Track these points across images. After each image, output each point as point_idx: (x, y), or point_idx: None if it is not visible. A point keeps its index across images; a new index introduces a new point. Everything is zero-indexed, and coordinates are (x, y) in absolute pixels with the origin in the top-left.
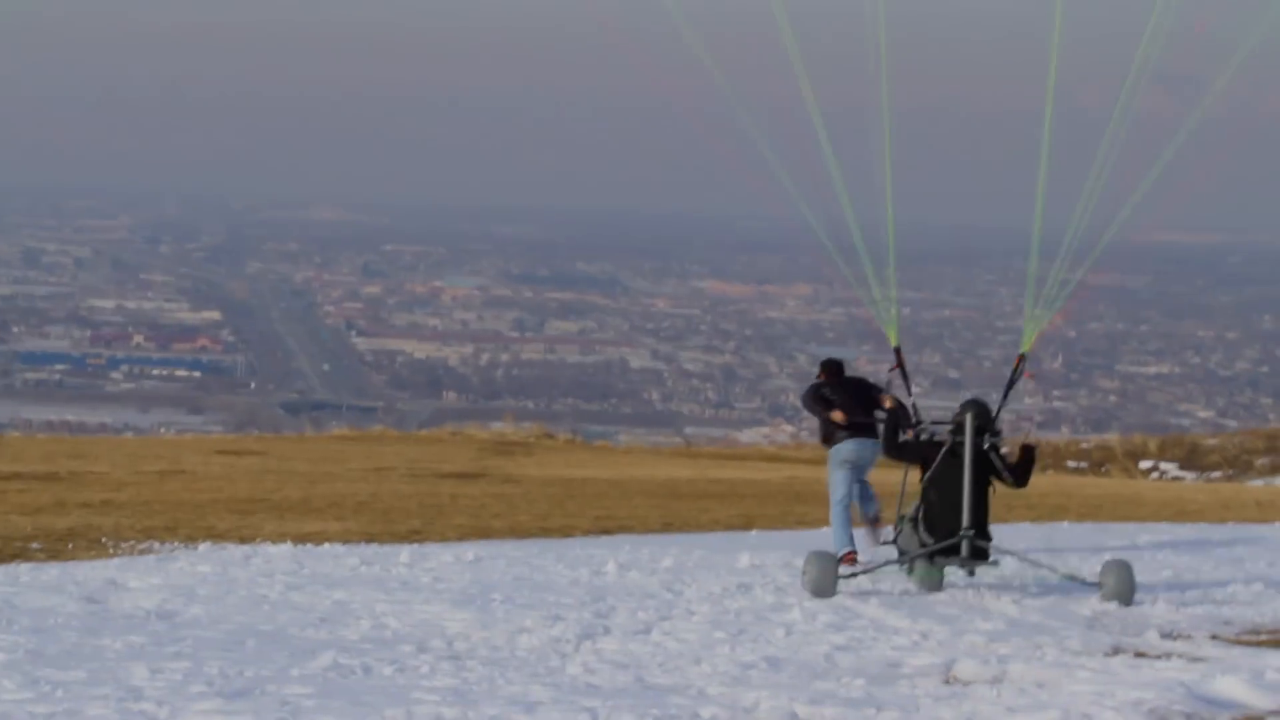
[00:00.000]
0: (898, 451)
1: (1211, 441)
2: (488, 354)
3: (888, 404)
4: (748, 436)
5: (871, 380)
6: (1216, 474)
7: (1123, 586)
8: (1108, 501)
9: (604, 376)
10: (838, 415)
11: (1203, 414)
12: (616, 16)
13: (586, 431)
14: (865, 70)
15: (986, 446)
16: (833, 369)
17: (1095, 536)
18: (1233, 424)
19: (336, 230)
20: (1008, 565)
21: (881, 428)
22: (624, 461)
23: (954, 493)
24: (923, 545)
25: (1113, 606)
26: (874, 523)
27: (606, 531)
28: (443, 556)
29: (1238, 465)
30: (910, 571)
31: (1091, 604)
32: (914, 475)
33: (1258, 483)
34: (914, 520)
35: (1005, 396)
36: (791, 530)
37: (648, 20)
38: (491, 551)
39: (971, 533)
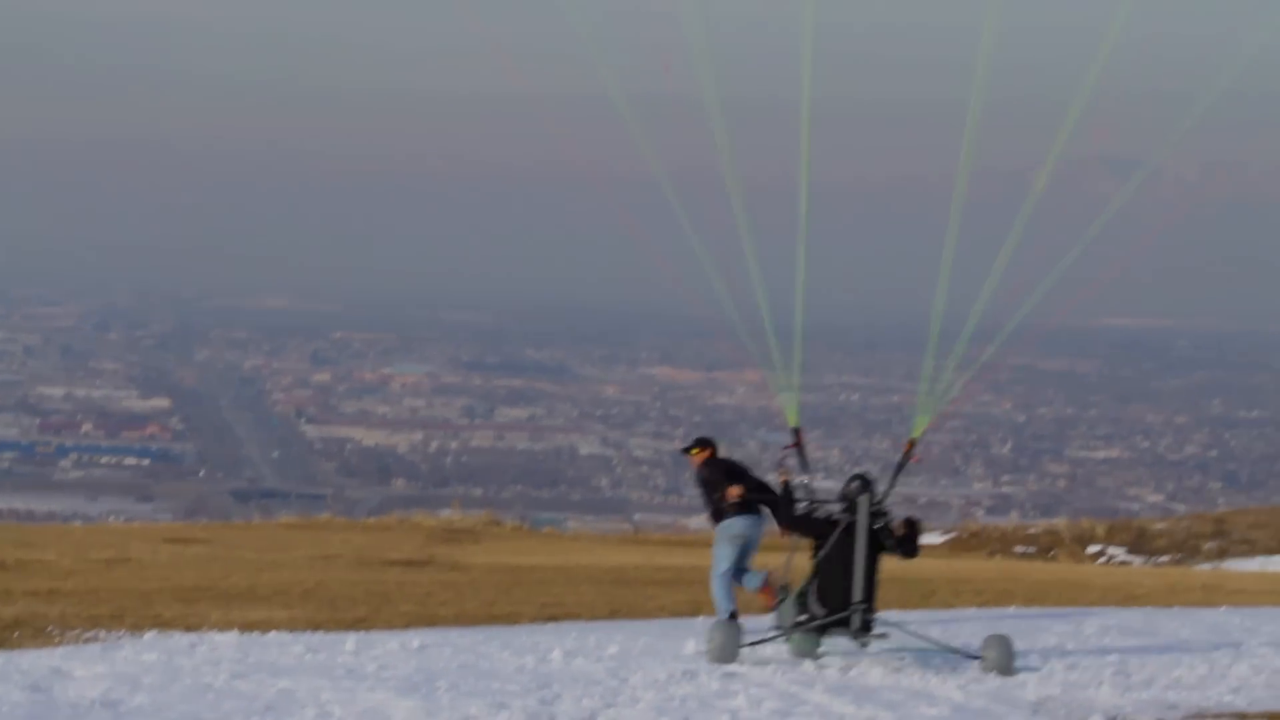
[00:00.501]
0: (794, 524)
1: (1159, 526)
2: (437, 441)
3: (782, 478)
4: (697, 523)
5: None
6: (1164, 558)
7: (1003, 659)
8: (1054, 586)
9: (553, 463)
10: (735, 492)
11: (1152, 498)
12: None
13: (535, 519)
14: (791, 148)
15: (877, 526)
16: (714, 447)
17: (1039, 620)
18: (1181, 508)
19: (286, 318)
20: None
21: (778, 502)
22: (571, 548)
23: (847, 567)
24: (813, 617)
25: (1057, 691)
26: (767, 587)
27: (553, 618)
28: (388, 644)
29: (1185, 549)
30: (789, 640)
31: (1035, 689)
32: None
33: (1205, 566)
34: (804, 594)
35: (894, 479)
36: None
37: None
38: (437, 639)
39: (864, 606)
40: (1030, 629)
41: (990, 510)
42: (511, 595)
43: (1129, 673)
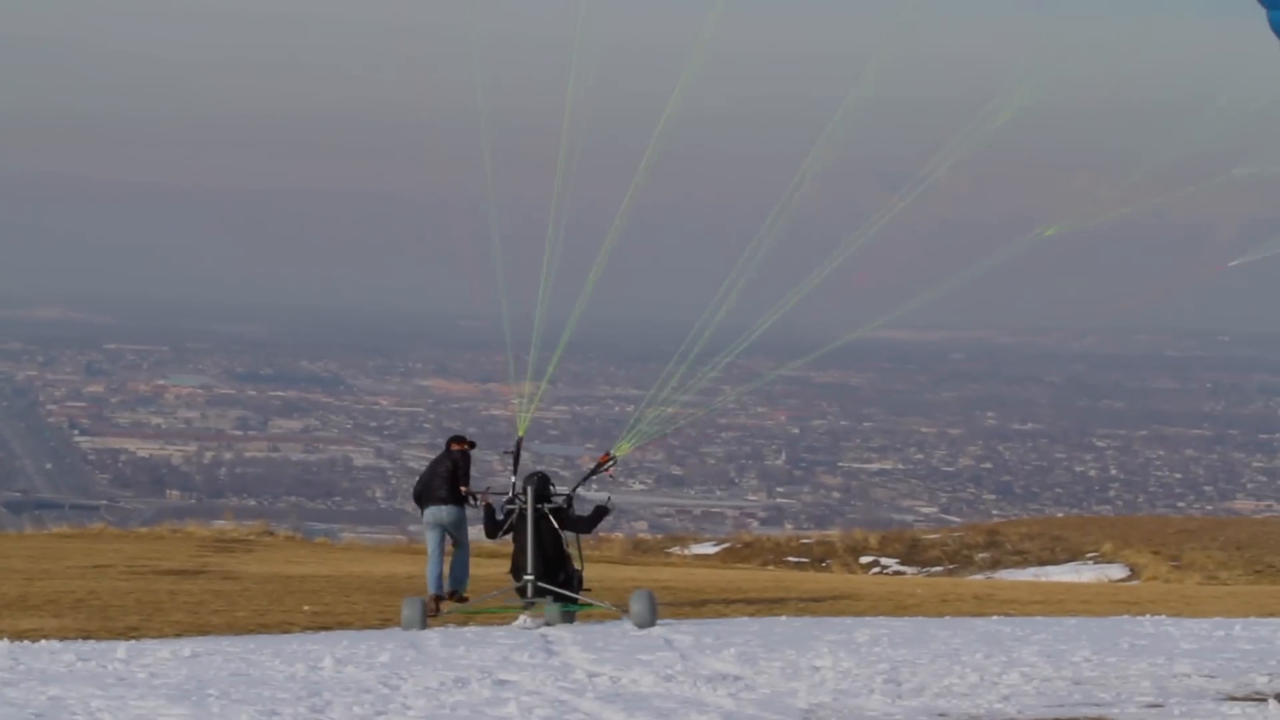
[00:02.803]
0: (492, 532)
1: (932, 537)
2: (211, 452)
3: (483, 500)
4: (472, 533)
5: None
6: (937, 569)
7: (646, 612)
8: (827, 595)
9: (327, 474)
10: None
11: (926, 509)
12: (338, 116)
13: (309, 529)
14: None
15: (547, 509)
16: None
17: (811, 629)
18: (956, 520)
19: (59, 329)
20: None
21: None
22: (344, 558)
23: (523, 547)
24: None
25: (828, 699)
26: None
27: (325, 627)
28: (160, 653)
29: (958, 560)
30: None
31: (807, 697)
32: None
33: (978, 577)
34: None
35: (583, 480)
36: (508, 625)
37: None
38: (209, 647)
39: (531, 578)
40: (802, 637)
41: (764, 521)
42: (283, 604)
43: (900, 681)
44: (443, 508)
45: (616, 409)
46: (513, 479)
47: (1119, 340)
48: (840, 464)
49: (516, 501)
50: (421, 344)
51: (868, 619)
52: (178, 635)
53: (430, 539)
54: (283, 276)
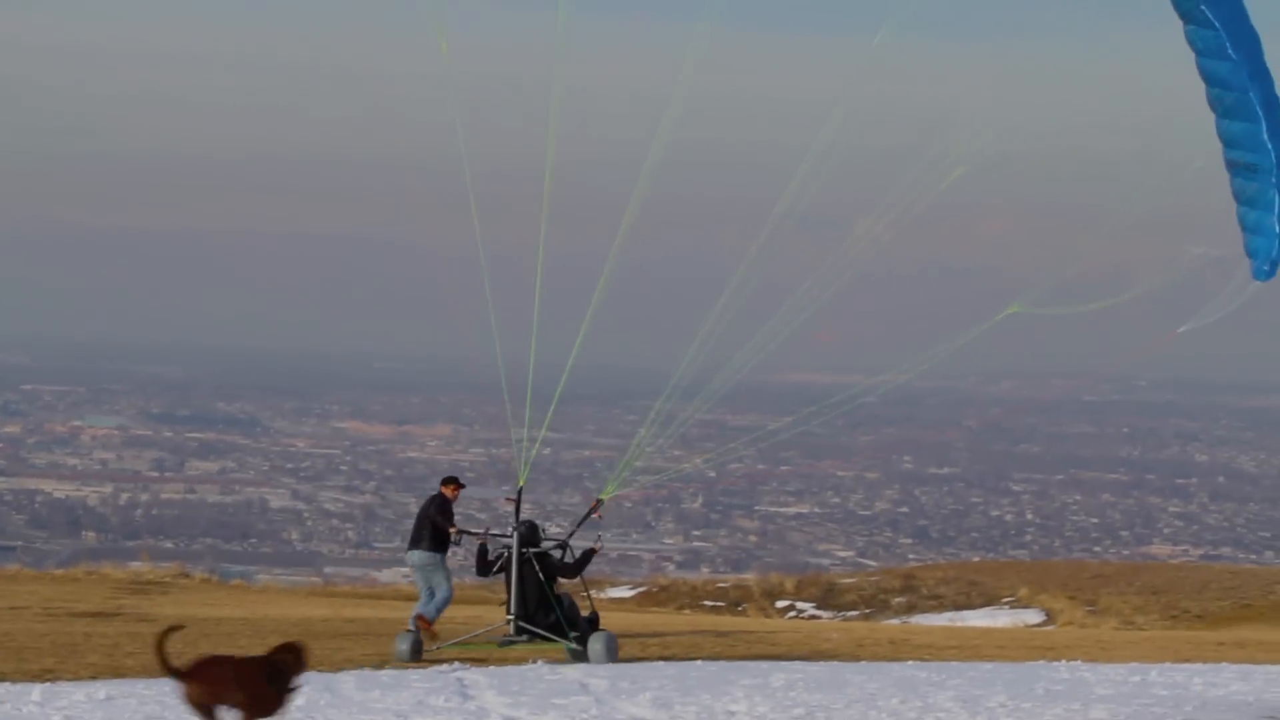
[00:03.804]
0: (484, 572)
1: (848, 581)
2: (127, 493)
3: (479, 540)
4: (387, 576)
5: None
6: (853, 613)
7: (607, 650)
8: (742, 639)
9: (244, 516)
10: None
11: (842, 553)
12: (256, 156)
13: (225, 571)
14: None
15: (530, 553)
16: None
17: (727, 673)
18: (873, 564)
19: None
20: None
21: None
22: (259, 601)
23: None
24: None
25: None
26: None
27: None
28: (75, 695)
29: (874, 604)
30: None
31: None
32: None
33: (894, 621)
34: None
35: (576, 527)
36: (423, 669)
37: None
38: (124, 690)
39: (511, 617)
40: (718, 682)
41: (681, 564)
42: (198, 647)
43: None
44: (414, 552)
45: (532, 450)
46: (510, 528)
47: (1035, 385)
48: (757, 507)
49: (504, 547)
50: (338, 386)
51: (783, 663)
52: (93, 678)
53: (417, 580)
54: (199, 317)
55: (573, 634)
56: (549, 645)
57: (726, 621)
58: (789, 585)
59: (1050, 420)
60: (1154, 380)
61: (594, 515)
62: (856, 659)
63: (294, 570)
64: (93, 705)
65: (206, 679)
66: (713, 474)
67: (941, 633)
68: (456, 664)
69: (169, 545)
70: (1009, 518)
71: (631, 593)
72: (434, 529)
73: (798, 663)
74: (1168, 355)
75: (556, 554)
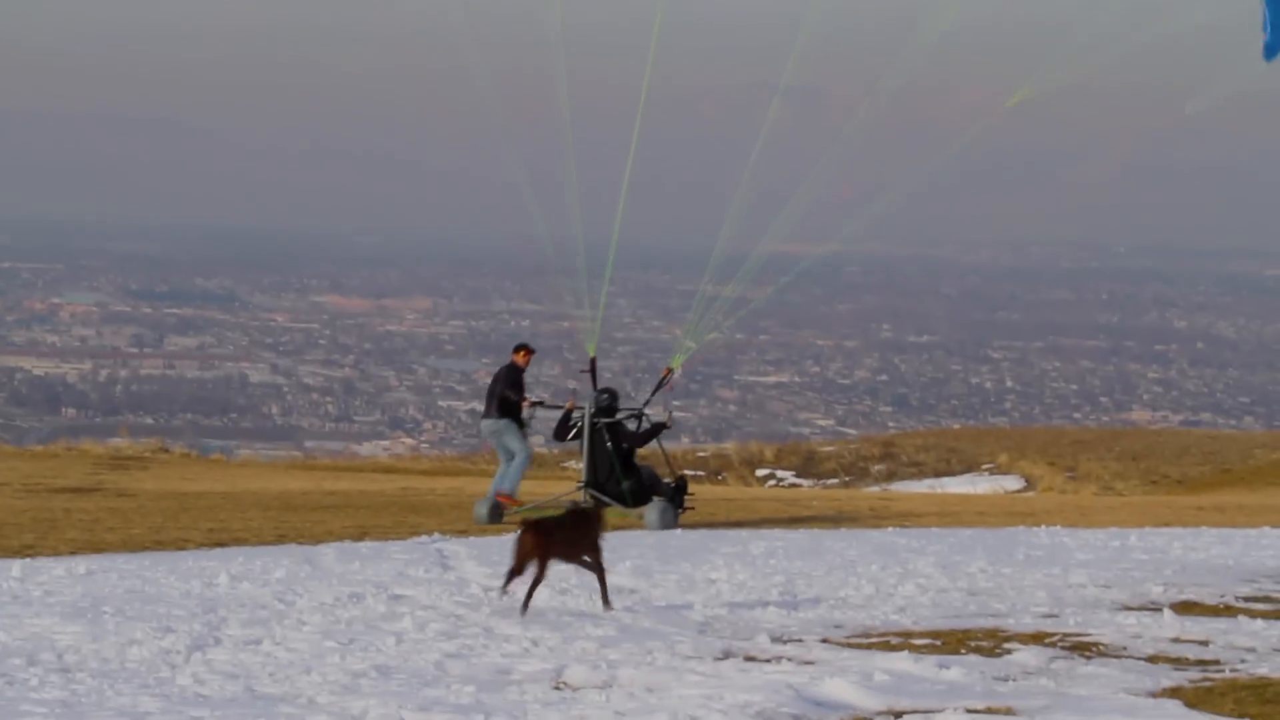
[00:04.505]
0: (564, 436)
1: (828, 449)
2: (106, 370)
3: (569, 405)
4: (367, 449)
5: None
6: (833, 480)
7: (656, 519)
8: (722, 507)
9: (223, 391)
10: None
11: (822, 422)
12: (233, 32)
13: (205, 446)
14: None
15: (601, 423)
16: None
17: (707, 541)
18: (852, 432)
19: None
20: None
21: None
22: (239, 475)
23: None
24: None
25: (723, 611)
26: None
27: (220, 544)
28: (55, 570)
29: (854, 472)
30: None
31: (702, 609)
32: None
33: (874, 489)
34: None
35: (652, 395)
36: (404, 540)
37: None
38: (104, 565)
39: (582, 484)
40: (697, 549)
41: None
42: (178, 521)
43: (795, 593)
44: (484, 421)
45: (512, 324)
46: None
47: (1014, 253)
48: (736, 377)
49: (579, 415)
50: (316, 260)
51: (763, 531)
52: (73, 553)
53: (494, 446)
54: (177, 193)
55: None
56: (617, 512)
57: (706, 490)
58: (769, 454)
59: (1029, 287)
60: (1133, 246)
61: (666, 386)
62: (836, 526)
63: (274, 444)
64: (72, 580)
65: (541, 529)
66: (692, 344)
67: (921, 499)
68: (436, 535)
69: (149, 421)
70: (988, 385)
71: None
72: (503, 400)
73: (778, 531)
74: (1146, 222)
75: (631, 424)
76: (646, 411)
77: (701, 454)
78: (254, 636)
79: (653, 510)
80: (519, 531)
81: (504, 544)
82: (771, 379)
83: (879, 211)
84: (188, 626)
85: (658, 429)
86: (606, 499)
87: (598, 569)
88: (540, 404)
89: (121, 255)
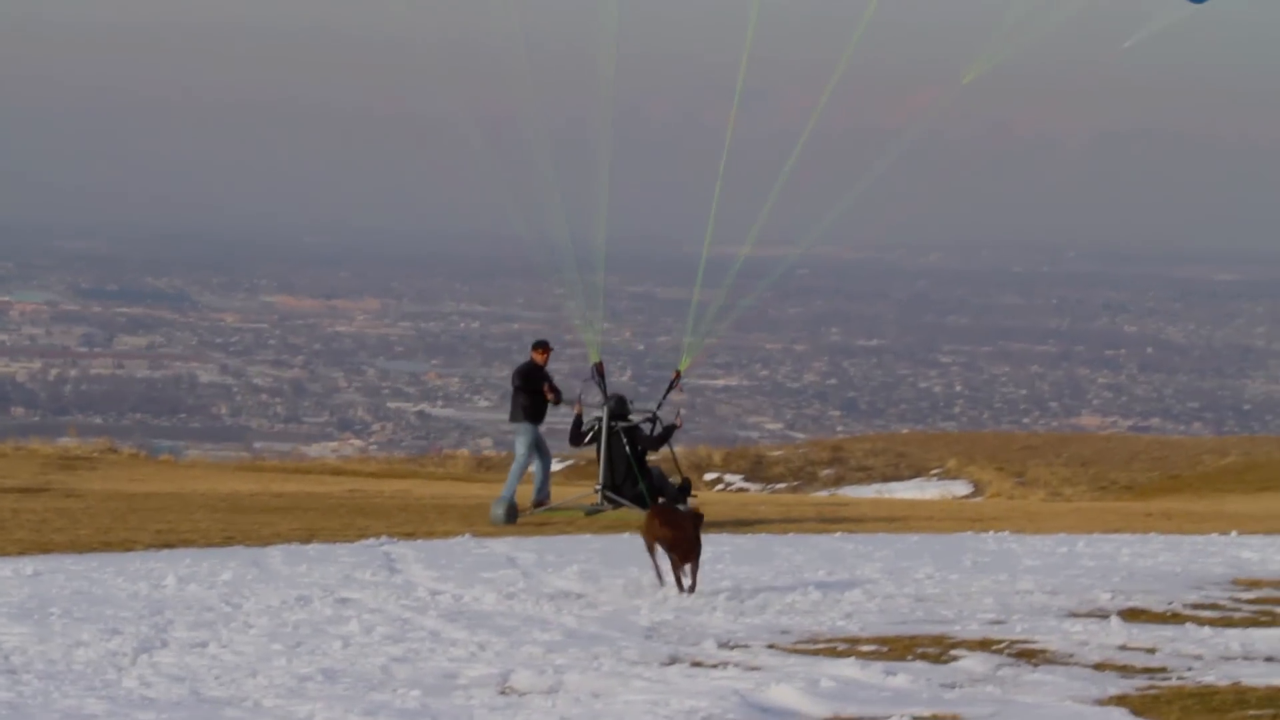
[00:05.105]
0: (576, 442)
1: (776, 453)
2: (56, 369)
3: (576, 409)
4: (316, 450)
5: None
6: (781, 485)
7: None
8: (605, 517)
9: (173, 391)
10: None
11: (771, 426)
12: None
13: (154, 446)
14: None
15: (619, 427)
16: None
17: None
18: (801, 436)
19: None
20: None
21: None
22: (188, 476)
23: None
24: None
25: (670, 617)
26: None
27: (168, 545)
28: (2, 571)
29: (803, 476)
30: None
31: (649, 614)
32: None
33: (822, 493)
34: None
35: (663, 398)
36: (351, 543)
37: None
38: (51, 566)
39: (599, 487)
40: (643, 553)
41: None
42: (126, 522)
43: (742, 598)
44: (512, 423)
45: (462, 325)
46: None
47: (964, 256)
48: (685, 380)
49: (596, 419)
50: (266, 259)
51: (710, 535)
52: (20, 553)
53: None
54: (126, 192)
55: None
56: (634, 514)
57: (591, 498)
58: (717, 457)
59: (978, 291)
60: (1083, 251)
61: (676, 389)
62: (784, 531)
63: (223, 445)
64: (20, 581)
65: (666, 518)
66: (640, 346)
67: (869, 504)
68: (384, 538)
69: (98, 421)
70: (937, 389)
71: (559, 465)
72: (527, 400)
73: (724, 535)
74: (1097, 226)
75: (645, 427)
76: (658, 413)
77: (650, 457)
78: (201, 639)
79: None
80: (647, 516)
81: (450, 548)
82: (720, 382)
83: (840, 213)
84: (134, 628)
85: (670, 431)
86: (624, 501)
87: (695, 559)
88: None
89: (72, 254)
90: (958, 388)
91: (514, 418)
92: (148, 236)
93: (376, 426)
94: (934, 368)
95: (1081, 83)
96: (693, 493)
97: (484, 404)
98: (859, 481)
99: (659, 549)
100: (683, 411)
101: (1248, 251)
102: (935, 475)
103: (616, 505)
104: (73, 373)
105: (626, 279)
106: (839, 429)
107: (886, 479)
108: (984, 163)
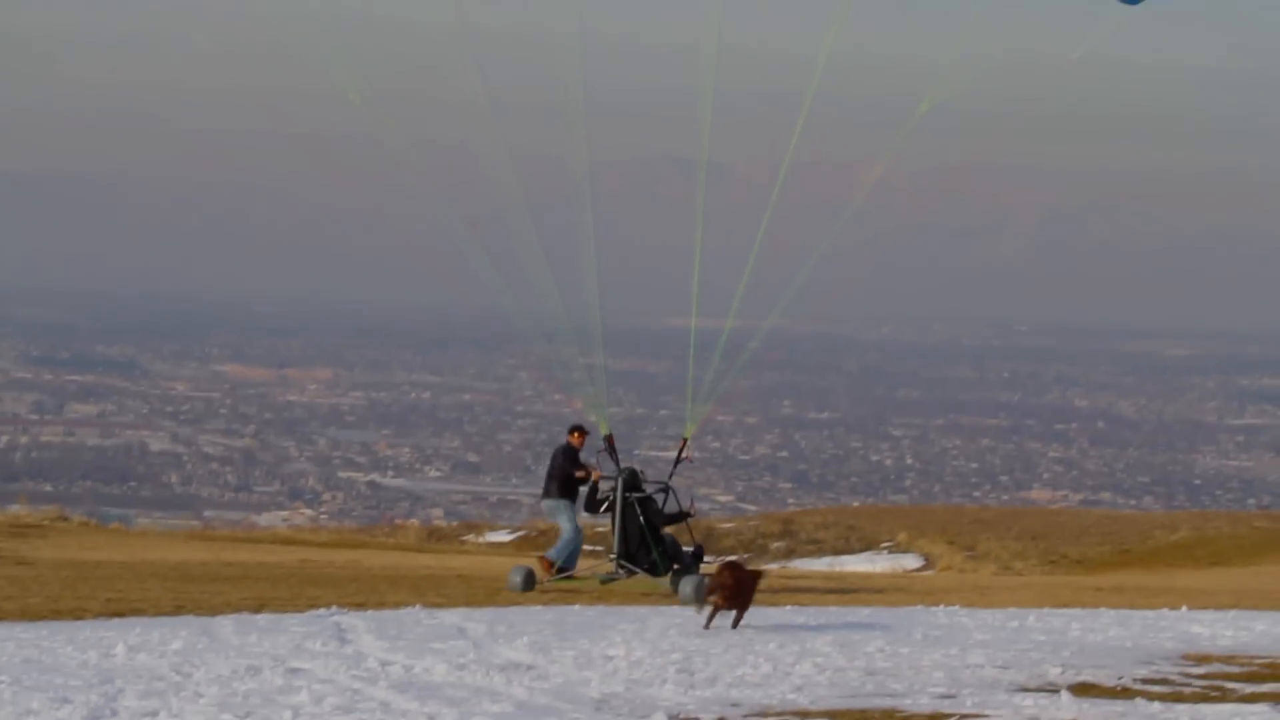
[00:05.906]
0: (593, 509)
1: (727, 525)
2: (6, 436)
3: (595, 476)
4: (267, 519)
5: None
6: (732, 557)
7: (692, 593)
8: (619, 584)
9: (124, 459)
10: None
11: (722, 498)
12: (131, 104)
13: (104, 514)
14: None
15: (633, 497)
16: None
17: (605, 618)
18: (752, 508)
19: None
20: None
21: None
22: (138, 544)
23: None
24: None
25: (620, 689)
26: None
27: (118, 614)
28: None
29: (754, 549)
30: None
31: (599, 686)
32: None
33: (773, 566)
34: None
35: (674, 468)
36: (301, 613)
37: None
38: (1, 634)
39: (613, 556)
40: (596, 626)
41: None
42: (76, 590)
43: (692, 670)
44: (544, 501)
45: (413, 395)
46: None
47: (916, 329)
48: (636, 451)
49: (611, 490)
50: (218, 328)
51: (661, 608)
52: None
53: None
54: (79, 260)
55: (674, 567)
56: (648, 582)
57: (605, 566)
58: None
59: (930, 364)
60: (1035, 325)
61: (685, 456)
62: None
63: (173, 513)
64: None
65: (735, 570)
66: (592, 418)
67: (820, 577)
68: (335, 608)
69: (48, 488)
70: (888, 462)
71: (510, 537)
72: (562, 477)
73: (675, 607)
74: (1049, 301)
75: (659, 497)
76: (672, 485)
77: (600, 528)
78: (151, 708)
79: (687, 585)
80: (720, 566)
81: (401, 619)
82: (670, 453)
83: (799, 287)
84: (84, 697)
85: (681, 517)
86: (637, 569)
87: (743, 606)
88: (604, 477)
89: (23, 321)
90: (909, 460)
91: (548, 493)
92: (100, 304)
93: (327, 496)
94: (885, 440)
95: (1029, 159)
96: (704, 558)
97: (435, 474)
98: (810, 554)
99: (717, 595)
100: (696, 504)
101: (1199, 327)
102: (886, 548)
103: (631, 574)
104: (23, 440)
105: (582, 350)
106: (790, 501)
107: (838, 552)
108: (936, 236)
